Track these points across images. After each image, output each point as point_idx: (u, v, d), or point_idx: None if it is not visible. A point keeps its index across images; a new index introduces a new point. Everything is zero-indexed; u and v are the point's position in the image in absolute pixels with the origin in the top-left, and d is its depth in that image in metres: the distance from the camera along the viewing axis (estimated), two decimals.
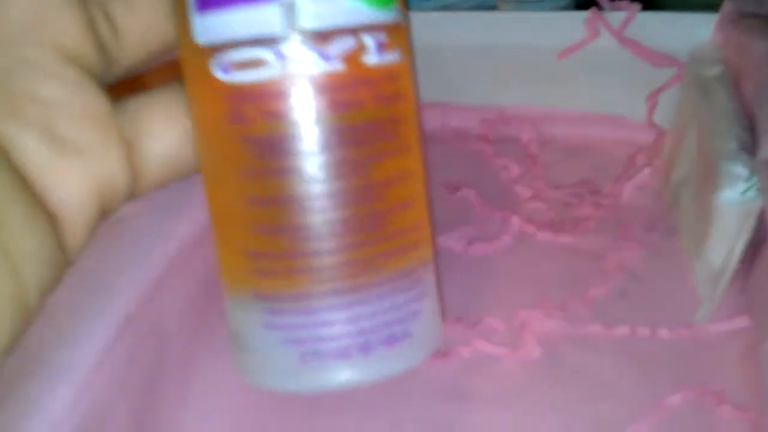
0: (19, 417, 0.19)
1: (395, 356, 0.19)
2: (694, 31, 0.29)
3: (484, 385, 0.24)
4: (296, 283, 0.19)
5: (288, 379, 0.19)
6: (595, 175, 0.31)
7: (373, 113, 0.19)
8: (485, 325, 0.25)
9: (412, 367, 0.20)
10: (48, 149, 0.18)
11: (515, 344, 0.25)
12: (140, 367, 0.22)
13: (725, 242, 0.23)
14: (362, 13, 0.18)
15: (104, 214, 0.20)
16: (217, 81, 0.18)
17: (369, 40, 0.18)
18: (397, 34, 0.19)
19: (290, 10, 0.17)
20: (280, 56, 0.18)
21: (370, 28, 0.18)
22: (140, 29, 0.20)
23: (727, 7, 0.28)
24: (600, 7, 0.31)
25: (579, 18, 0.31)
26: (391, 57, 0.19)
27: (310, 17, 0.18)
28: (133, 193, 0.20)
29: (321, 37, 0.18)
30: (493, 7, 0.39)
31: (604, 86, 0.32)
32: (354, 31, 0.18)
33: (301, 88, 0.18)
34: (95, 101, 0.19)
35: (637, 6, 0.30)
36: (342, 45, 0.18)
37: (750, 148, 0.23)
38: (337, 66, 0.18)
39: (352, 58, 0.18)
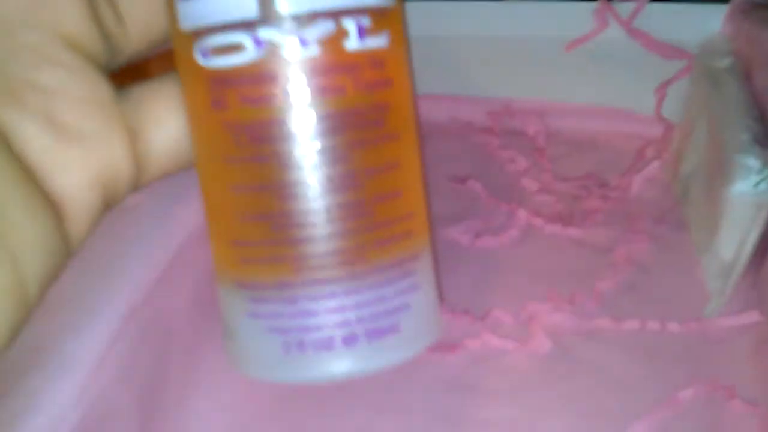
0: (21, 410, 0.18)
1: (381, 350, 0.18)
2: (704, 22, 0.29)
3: (492, 379, 0.24)
4: (279, 271, 0.18)
5: (271, 368, 0.19)
6: (603, 168, 0.31)
7: (355, 100, 0.18)
8: (493, 318, 0.25)
9: (400, 363, 0.19)
10: (49, 136, 0.18)
11: (523, 338, 0.25)
12: (145, 359, 0.22)
13: (737, 235, 0.23)
14: None
15: (108, 204, 0.19)
16: (199, 67, 0.18)
17: (350, 25, 0.18)
18: (384, 17, 0.18)
19: None
20: (257, 41, 0.17)
21: (352, 12, 0.18)
22: (144, 16, 0.19)
23: None
24: None
25: (587, 9, 0.30)
26: (377, 42, 0.18)
27: (287, 1, 0.17)
28: (137, 183, 0.20)
29: (298, 22, 0.17)
30: None
31: (612, 78, 0.31)
32: (334, 14, 0.17)
33: (279, 73, 0.17)
34: (98, 88, 0.18)
35: None
36: (320, 29, 0.17)
37: (762, 139, 0.23)
38: (315, 51, 0.17)
39: (332, 43, 0.17)
